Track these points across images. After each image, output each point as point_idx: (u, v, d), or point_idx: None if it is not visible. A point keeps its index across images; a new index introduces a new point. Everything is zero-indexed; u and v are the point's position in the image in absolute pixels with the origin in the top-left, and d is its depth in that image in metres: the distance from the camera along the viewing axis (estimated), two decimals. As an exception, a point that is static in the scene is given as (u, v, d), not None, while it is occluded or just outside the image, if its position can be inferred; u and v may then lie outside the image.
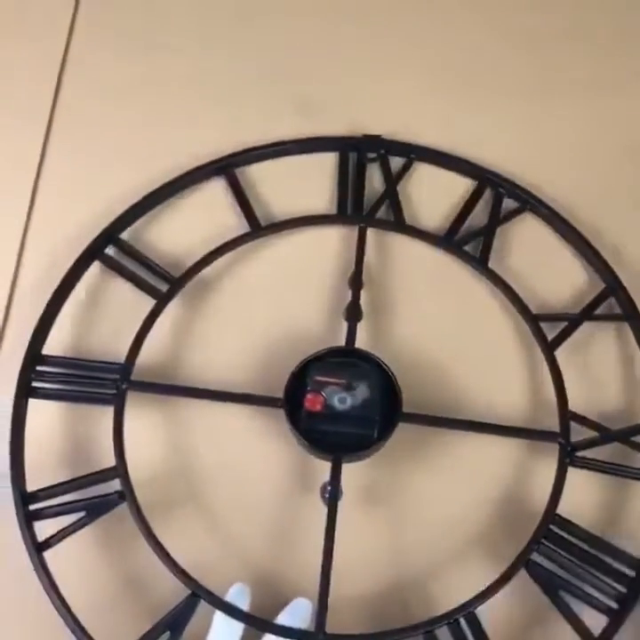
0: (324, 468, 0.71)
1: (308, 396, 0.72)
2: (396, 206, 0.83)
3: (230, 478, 0.74)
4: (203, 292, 0.81)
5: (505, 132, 0.87)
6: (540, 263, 0.82)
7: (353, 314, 0.78)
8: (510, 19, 0.92)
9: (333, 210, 0.83)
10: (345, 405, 0.72)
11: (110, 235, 0.81)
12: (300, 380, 0.73)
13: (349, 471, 0.71)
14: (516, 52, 0.90)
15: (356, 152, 0.85)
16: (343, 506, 0.69)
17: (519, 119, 0.88)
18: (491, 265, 0.81)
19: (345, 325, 0.76)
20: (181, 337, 0.80)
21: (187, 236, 0.82)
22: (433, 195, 0.84)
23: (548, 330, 0.78)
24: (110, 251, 0.81)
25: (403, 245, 0.83)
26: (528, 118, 0.88)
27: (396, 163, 0.85)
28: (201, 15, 0.91)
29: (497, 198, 0.84)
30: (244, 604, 0.67)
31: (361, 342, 0.76)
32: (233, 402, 0.74)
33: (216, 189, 0.85)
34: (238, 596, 0.68)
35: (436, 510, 0.74)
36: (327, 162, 0.86)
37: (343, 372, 0.73)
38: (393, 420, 0.72)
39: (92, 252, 0.80)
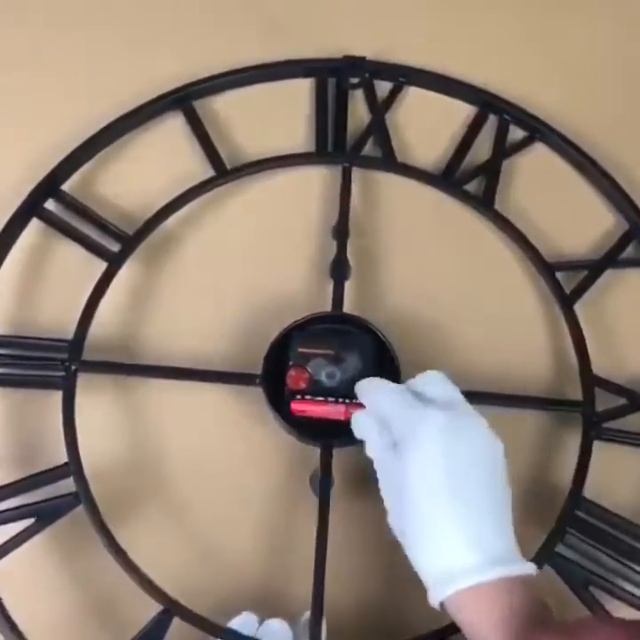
0: (314, 454, 0.65)
1: (291, 371, 0.66)
2: (385, 140, 0.77)
3: (205, 471, 0.68)
4: (163, 250, 0.74)
5: (508, 50, 0.81)
6: (554, 202, 0.76)
7: (339, 271, 0.71)
8: None
9: (312, 147, 0.76)
10: (334, 380, 0.66)
11: (50, 186, 0.73)
12: (281, 352, 0.67)
13: (343, 453, 0.66)
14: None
15: (336, 77, 0.78)
16: (334, 493, 0.64)
17: (524, 34, 0.82)
18: (497, 206, 0.74)
19: (331, 285, 0.70)
20: (140, 305, 0.73)
21: (140, 185, 0.75)
22: (427, 125, 0.78)
23: (565, 281, 0.73)
24: (51, 205, 0.73)
25: (394, 186, 0.76)
26: (535, 32, 0.82)
27: (382, 88, 0.79)
28: None
29: (502, 127, 0.77)
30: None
31: (350, 305, 0.70)
32: (203, 381, 0.68)
33: (173, 127, 0.77)
34: (245, 626, 0.60)
35: None
36: (302, 90, 0.79)
37: (330, 342, 0.67)
38: None
39: (30, 208, 0.72)
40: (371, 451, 0.60)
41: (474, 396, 0.64)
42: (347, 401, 0.66)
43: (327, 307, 0.69)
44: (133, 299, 0.73)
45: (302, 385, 0.66)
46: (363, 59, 0.78)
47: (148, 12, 0.81)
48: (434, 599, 0.53)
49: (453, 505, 0.53)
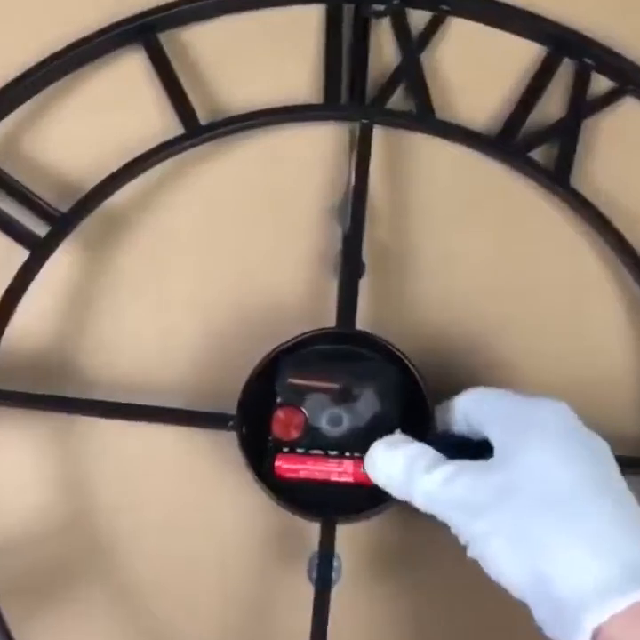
0: (313, 525, 0.55)
1: (278, 412, 0.54)
2: (420, 89, 0.65)
3: (161, 540, 0.58)
4: (107, 236, 0.63)
5: None
6: None
7: (350, 269, 0.59)
8: None
9: (319, 97, 0.65)
10: (339, 428, 0.54)
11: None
12: (266, 384, 0.55)
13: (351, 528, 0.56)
14: None
15: (354, 1, 0.66)
16: (343, 580, 0.54)
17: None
18: (573, 182, 0.63)
19: (337, 288, 0.59)
20: (74, 311, 0.62)
21: (81, 147, 0.64)
22: (477, 71, 0.67)
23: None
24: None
25: (430, 153, 0.65)
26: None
27: (418, 18, 0.68)
28: None
29: (581, 75, 0.66)
30: None
31: (364, 318, 0.59)
32: (155, 421, 0.57)
33: (130, 67, 0.66)
34: None
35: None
36: (307, 20, 0.67)
37: (336, 372, 0.55)
38: None
39: None
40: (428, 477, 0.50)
41: None
42: (356, 455, 0.53)
43: (331, 320, 0.58)
44: (65, 302, 0.62)
45: (294, 433, 0.53)
46: None
47: None
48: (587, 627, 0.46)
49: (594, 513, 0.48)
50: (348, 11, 0.65)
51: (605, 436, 0.55)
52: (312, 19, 0.66)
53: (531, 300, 0.62)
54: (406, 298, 0.62)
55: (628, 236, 0.62)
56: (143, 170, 0.61)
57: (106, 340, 0.61)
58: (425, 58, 0.65)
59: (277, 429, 0.53)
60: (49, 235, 0.58)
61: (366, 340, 0.55)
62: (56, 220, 0.59)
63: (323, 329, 0.55)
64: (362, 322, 0.57)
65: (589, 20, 0.66)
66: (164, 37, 0.64)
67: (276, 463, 0.52)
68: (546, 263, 0.63)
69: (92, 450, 0.59)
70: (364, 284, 0.59)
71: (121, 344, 0.60)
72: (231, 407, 0.54)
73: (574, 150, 0.63)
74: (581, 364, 0.61)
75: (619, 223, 0.62)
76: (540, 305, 0.62)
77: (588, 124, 0.64)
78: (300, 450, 0.53)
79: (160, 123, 0.63)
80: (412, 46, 0.64)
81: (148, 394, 0.58)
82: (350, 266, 0.58)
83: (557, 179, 0.62)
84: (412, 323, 0.61)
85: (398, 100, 0.64)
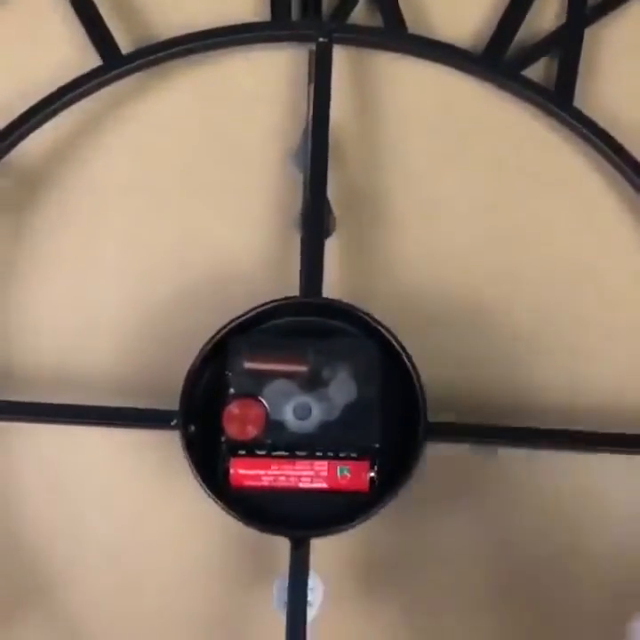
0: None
1: (231, 406, 0.46)
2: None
3: (104, 559, 0.52)
4: (22, 193, 0.55)
5: None
6: None
7: (314, 224, 0.51)
8: None
9: (266, 13, 0.57)
10: (308, 421, 0.46)
11: None
12: (216, 370, 0.47)
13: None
14: None
15: None
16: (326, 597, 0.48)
17: None
18: (576, 102, 0.56)
19: (299, 248, 0.51)
20: None
21: None
22: None
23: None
24: None
25: (403, 76, 0.57)
26: None
27: None
28: None
29: None
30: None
31: (333, 281, 0.51)
32: (85, 423, 0.49)
33: None
34: None
35: (499, 595, 0.52)
36: None
37: (301, 350, 0.47)
38: (409, 444, 0.46)
39: None
40: None
41: (544, 438, 0.48)
42: (330, 455, 0.45)
43: (294, 288, 0.50)
44: None
45: (251, 431, 0.44)
46: None
47: None
48: None
49: None
50: None
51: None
52: None
53: (531, 248, 0.55)
54: (381, 255, 0.55)
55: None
56: (54, 112, 0.53)
57: (21, 322, 0.53)
58: None
59: (231, 427, 0.44)
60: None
61: (336, 309, 0.47)
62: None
63: (283, 299, 0.47)
64: (330, 287, 0.49)
65: None
66: None
67: (231, 469, 0.44)
68: (548, 202, 0.55)
69: (26, 455, 0.52)
70: (332, 241, 0.51)
71: (38, 328, 0.53)
72: (174, 401, 0.46)
73: (577, 65, 0.55)
74: (600, 324, 0.53)
75: (631, 146, 0.54)
76: (542, 252, 0.55)
77: (591, 31, 0.56)
78: (260, 451, 0.45)
79: (74, 55, 0.55)
80: None
81: (75, 388, 0.51)
82: (313, 222, 0.50)
83: (558, 99, 0.55)
84: (390, 284, 0.54)
85: (361, 12, 0.57)
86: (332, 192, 0.53)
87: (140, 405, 0.50)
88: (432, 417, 0.46)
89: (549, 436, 0.49)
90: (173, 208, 0.55)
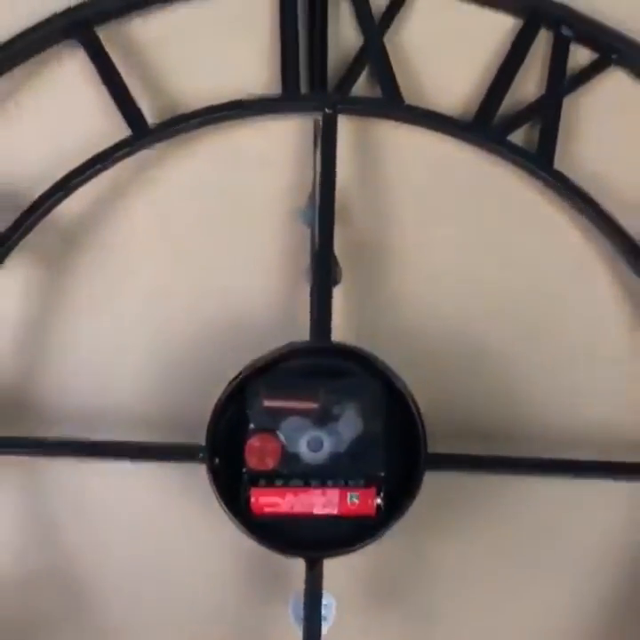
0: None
1: (252, 440, 0.49)
2: (386, 73, 0.60)
3: (136, 584, 0.54)
4: (53, 253, 0.58)
5: None
6: None
7: (322, 275, 0.54)
8: None
9: (277, 87, 0.60)
10: (320, 453, 0.49)
11: None
12: (237, 408, 0.50)
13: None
14: None
15: None
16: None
17: None
18: (557, 165, 0.59)
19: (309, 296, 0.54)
20: (28, 337, 0.57)
21: (21, 156, 0.59)
22: (447, 49, 0.62)
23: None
24: None
25: (401, 140, 0.60)
26: None
27: None
28: None
29: (560, 47, 0.62)
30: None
31: (341, 328, 0.53)
32: (117, 457, 0.52)
33: (67, 67, 0.60)
34: None
35: (497, 611, 0.54)
36: (260, 2, 0.61)
37: (313, 389, 0.50)
38: (412, 473, 0.49)
39: None
40: None
41: (534, 466, 0.51)
42: (340, 483, 0.49)
43: (306, 330, 0.53)
44: (13, 329, 0.57)
45: (270, 463, 0.48)
46: None
47: None
48: None
49: None
50: None
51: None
52: (263, 2, 0.60)
53: (523, 297, 0.58)
54: (383, 300, 0.57)
55: (623, 222, 0.57)
56: (88, 179, 0.56)
57: (57, 364, 0.56)
58: (389, 38, 0.60)
59: (252, 459, 0.48)
60: (-12, 253, 0.54)
61: (345, 354, 0.51)
62: (-3, 237, 0.54)
63: (295, 344, 0.51)
64: (337, 329, 0.52)
65: None
66: (102, 32, 0.58)
67: (253, 497, 0.48)
68: (530, 250, 0.58)
69: (59, 490, 0.55)
70: (338, 289, 0.54)
71: (73, 371, 0.56)
72: (201, 436, 0.49)
73: (557, 130, 0.58)
74: (573, 348, 0.57)
75: (609, 205, 0.57)
76: (526, 294, 0.58)
77: (569, 100, 0.60)
78: (278, 481, 0.48)
79: (105, 125, 0.58)
80: (375, 26, 0.59)
81: (106, 426, 0.54)
82: (321, 273, 0.53)
83: (540, 162, 0.58)
84: (391, 324, 0.57)
85: (362, 85, 0.59)
86: (337, 246, 0.55)
87: (168, 441, 0.52)
88: (432, 447, 0.49)
89: (542, 465, 0.52)
90: (193, 262, 0.58)
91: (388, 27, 0.62)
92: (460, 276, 0.58)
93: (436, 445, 0.49)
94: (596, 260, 0.59)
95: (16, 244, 0.55)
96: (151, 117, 0.58)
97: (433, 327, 0.57)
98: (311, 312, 0.52)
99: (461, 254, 0.58)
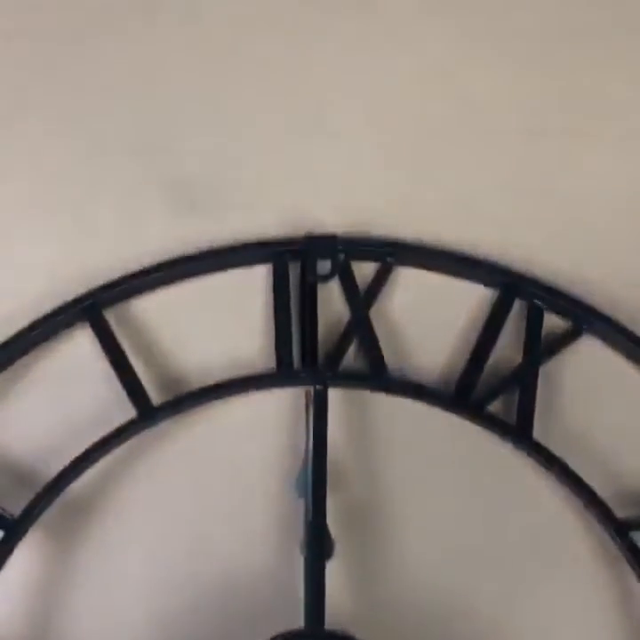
0: None
1: None
2: (372, 347, 0.62)
3: None
4: (66, 529, 0.59)
5: (533, 208, 0.65)
6: (622, 422, 0.61)
7: (314, 548, 0.55)
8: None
9: (271, 360, 0.62)
10: None
11: None
12: None
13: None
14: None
15: (300, 262, 0.63)
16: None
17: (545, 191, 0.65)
18: (536, 434, 0.60)
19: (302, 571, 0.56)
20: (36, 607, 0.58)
21: (33, 437, 0.61)
22: (429, 320, 0.64)
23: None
24: None
25: (388, 412, 0.62)
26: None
27: (363, 271, 0.63)
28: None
29: (534, 316, 0.62)
30: None
31: (336, 607, 0.55)
32: None
33: (76, 347, 0.62)
34: None
35: None
36: (253, 282, 0.64)
37: None
38: None
39: None
40: None
41: None
42: None
43: (295, 602, 0.54)
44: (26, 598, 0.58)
45: None
46: (333, 236, 0.62)
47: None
48: None
49: None
50: (293, 271, 0.62)
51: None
52: (258, 280, 0.62)
53: (510, 565, 0.59)
54: (381, 578, 0.58)
55: (602, 493, 0.57)
56: (94, 460, 0.57)
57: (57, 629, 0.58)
58: (375, 312, 0.62)
59: None
60: (3, 540, 0.55)
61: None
62: (10, 523, 0.55)
63: (288, 633, 0.51)
64: (334, 614, 0.53)
65: (535, 261, 0.62)
66: (108, 313, 0.61)
67: None
68: (514, 519, 0.59)
69: None
70: (333, 567, 0.55)
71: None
72: None
73: (534, 399, 0.59)
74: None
75: (590, 479, 0.58)
76: (520, 571, 0.59)
77: (545, 370, 0.61)
78: None
79: (112, 404, 0.60)
80: (360, 301, 0.61)
81: None
82: (315, 545, 0.54)
83: (519, 432, 0.59)
84: (393, 609, 0.57)
85: (351, 359, 0.61)
86: (331, 519, 0.56)
87: None
88: None
89: None
90: (187, 529, 0.59)
91: (372, 301, 0.62)
92: (459, 546, 0.59)
93: None
94: (572, 525, 0.59)
95: (23, 533, 0.56)
96: (154, 392, 0.59)
97: (429, 591, 0.58)
98: (306, 594, 0.53)
99: (460, 523, 0.59)
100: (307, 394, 0.59)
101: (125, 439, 0.58)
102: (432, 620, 0.57)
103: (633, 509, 0.58)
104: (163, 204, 0.63)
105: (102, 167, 0.63)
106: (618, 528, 0.56)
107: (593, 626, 0.57)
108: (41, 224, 0.63)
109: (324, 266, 0.62)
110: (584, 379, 0.61)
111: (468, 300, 0.63)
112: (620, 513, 0.57)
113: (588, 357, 0.62)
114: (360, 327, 0.61)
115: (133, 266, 0.61)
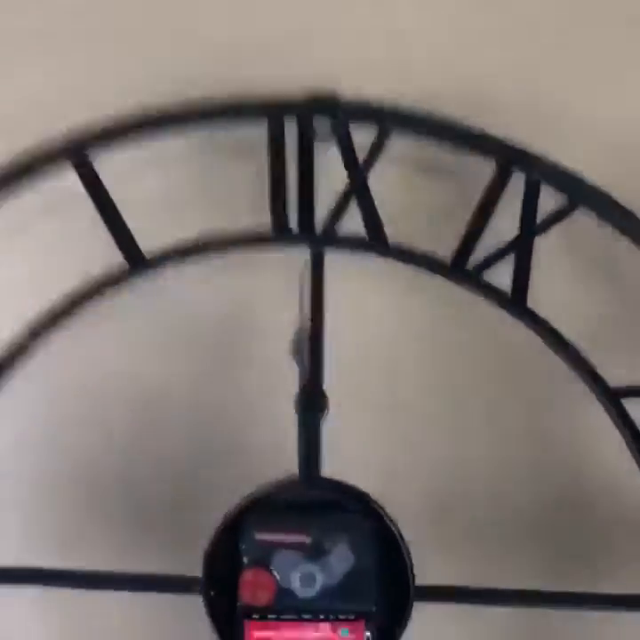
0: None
1: (246, 574, 0.50)
2: (370, 212, 0.62)
3: None
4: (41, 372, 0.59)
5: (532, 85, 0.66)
6: (612, 297, 0.64)
7: (310, 403, 0.56)
8: None
9: (266, 225, 0.62)
10: (312, 588, 0.50)
11: None
12: (233, 539, 0.51)
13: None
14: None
15: (297, 122, 0.62)
16: None
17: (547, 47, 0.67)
18: (530, 303, 0.61)
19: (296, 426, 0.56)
20: None
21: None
22: (427, 190, 0.65)
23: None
24: None
25: (385, 278, 0.63)
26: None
27: (362, 136, 0.63)
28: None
29: (532, 189, 0.63)
30: None
31: (331, 460, 0.54)
32: (114, 588, 0.53)
33: (59, 192, 0.60)
34: None
35: None
36: (249, 143, 0.62)
37: (305, 522, 0.51)
38: (401, 605, 0.50)
39: None
40: None
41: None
42: (331, 617, 0.50)
43: (294, 464, 0.54)
44: None
45: (263, 598, 0.49)
46: (334, 97, 0.62)
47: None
48: None
49: None
50: (289, 130, 0.61)
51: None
52: (254, 141, 0.61)
53: (499, 430, 0.61)
54: (373, 433, 0.60)
55: (594, 361, 0.58)
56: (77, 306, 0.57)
57: None
58: (373, 177, 0.62)
59: (246, 594, 0.49)
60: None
61: (334, 487, 0.52)
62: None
63: (286, 479, 0.52)
64: (329, 466, 0.53)
65: (537, 137, 0.61)
66: (94, 158, 0.58)
67: (246, 631, 0.49)
68: (509, 391, 0.62)
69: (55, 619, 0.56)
70: (329, 423, 0.55)
71: None
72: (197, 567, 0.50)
73: (529, 269, 0.60)
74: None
75: (585, 345, 0.59)
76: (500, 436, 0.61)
77: (540, 241, 0.61)
78: (271, 615, 0.49)
79: (97, 254, 0.58)
80: (358, 165, 0.61)
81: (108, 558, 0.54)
82: (310, 400, 0.55)
83: (515, 301, 0.60)
84: (379, 464, 0.59)
85: (348, 224, 0.61)
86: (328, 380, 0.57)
87: (164, 573, 0.53)
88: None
89: (534, 596, 0.53)
90: (185, 396, 0.60)
91: (370, 165, 0.62)
92: (445, 421, 0.61)
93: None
94: (561, 393, 0.61)
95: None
96: (145, 249, 0.59)
97: (428, 469, 0.60)
98: (300, 446, 0.53)
99: (438, 398, 0.62)
100: (305, 263, 0.59)
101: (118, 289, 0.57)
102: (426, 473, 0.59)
103: (622, 378, 0.59)
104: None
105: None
106: (609, 396, 0.57)
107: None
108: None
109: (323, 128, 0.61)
110: (580, 255, 0.63)
111: (469, 172, 0.63)
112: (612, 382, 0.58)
113: (584, 236, 0.63)
114: (359, 192, 0.61)
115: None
